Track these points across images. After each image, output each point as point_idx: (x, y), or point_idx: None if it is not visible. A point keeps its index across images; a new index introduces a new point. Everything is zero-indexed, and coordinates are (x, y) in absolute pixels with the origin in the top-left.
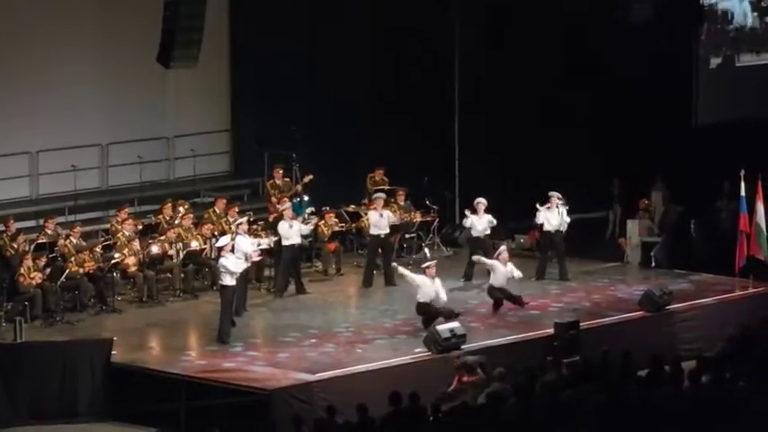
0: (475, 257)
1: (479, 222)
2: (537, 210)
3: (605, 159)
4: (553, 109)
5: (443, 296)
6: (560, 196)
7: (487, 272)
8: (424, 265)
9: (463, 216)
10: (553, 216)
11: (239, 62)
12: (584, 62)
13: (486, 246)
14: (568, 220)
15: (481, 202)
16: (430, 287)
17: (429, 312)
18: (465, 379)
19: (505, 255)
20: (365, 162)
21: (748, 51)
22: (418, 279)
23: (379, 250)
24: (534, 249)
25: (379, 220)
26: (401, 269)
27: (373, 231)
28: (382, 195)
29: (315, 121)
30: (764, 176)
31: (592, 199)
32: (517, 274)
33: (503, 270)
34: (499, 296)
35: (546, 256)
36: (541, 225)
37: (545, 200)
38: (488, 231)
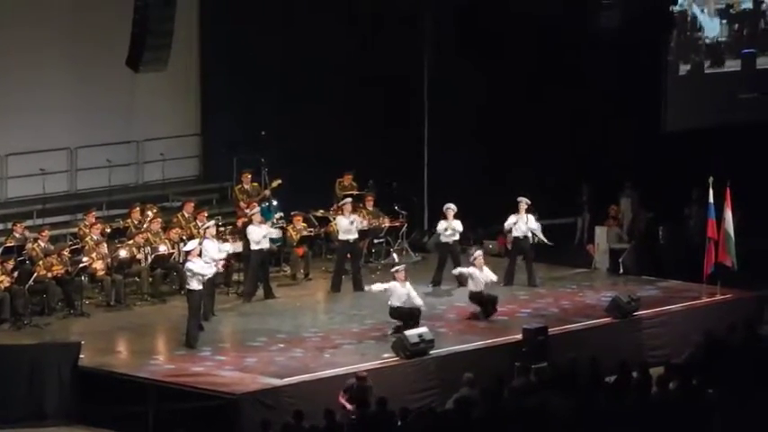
0: (455, 271)
1: (448, 228)
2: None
3: (574, 165)
4: (522, 115)
5: (418, 300)
6: (528, 201)
7: (456, 279)
8: (393, 270)
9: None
10: (521, 221)
11: (209, 66)
12: (554, 68)
13: (455, 251)
14: (536, 226)
15: (450, 207)
16: (401, 291)
17: (402, 316)
18: (350, 407)
19: (481, 259)
20: (334, 167)
21: (717, 58)
22: (389, 285)
23: (348, 255)
24: (503, 255)
25: (348, 225)
26: (370, 287)
27: (342, 236)
28: (350, 200)
29: (284, 125)
30: (733, 184)
31: (560, 205)
32: (492, 277)
33: (480, 275)
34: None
35: (514, 261)
36: (510, 230)
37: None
38: (456, 237)
